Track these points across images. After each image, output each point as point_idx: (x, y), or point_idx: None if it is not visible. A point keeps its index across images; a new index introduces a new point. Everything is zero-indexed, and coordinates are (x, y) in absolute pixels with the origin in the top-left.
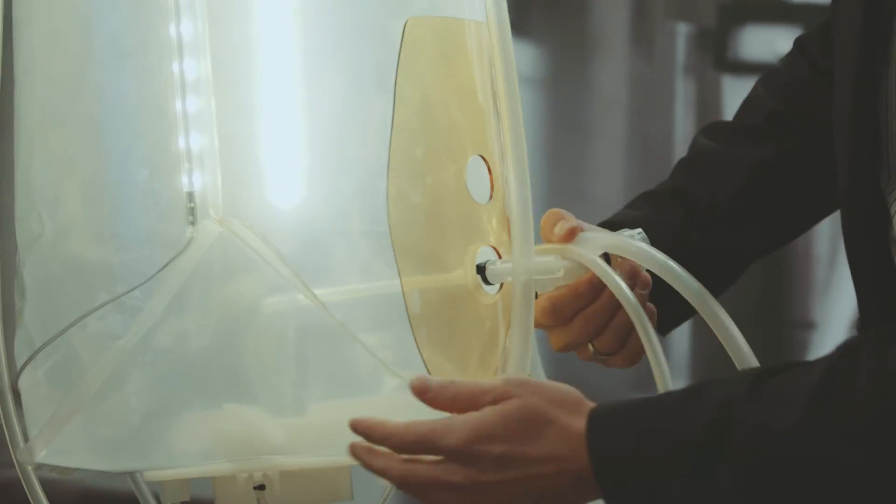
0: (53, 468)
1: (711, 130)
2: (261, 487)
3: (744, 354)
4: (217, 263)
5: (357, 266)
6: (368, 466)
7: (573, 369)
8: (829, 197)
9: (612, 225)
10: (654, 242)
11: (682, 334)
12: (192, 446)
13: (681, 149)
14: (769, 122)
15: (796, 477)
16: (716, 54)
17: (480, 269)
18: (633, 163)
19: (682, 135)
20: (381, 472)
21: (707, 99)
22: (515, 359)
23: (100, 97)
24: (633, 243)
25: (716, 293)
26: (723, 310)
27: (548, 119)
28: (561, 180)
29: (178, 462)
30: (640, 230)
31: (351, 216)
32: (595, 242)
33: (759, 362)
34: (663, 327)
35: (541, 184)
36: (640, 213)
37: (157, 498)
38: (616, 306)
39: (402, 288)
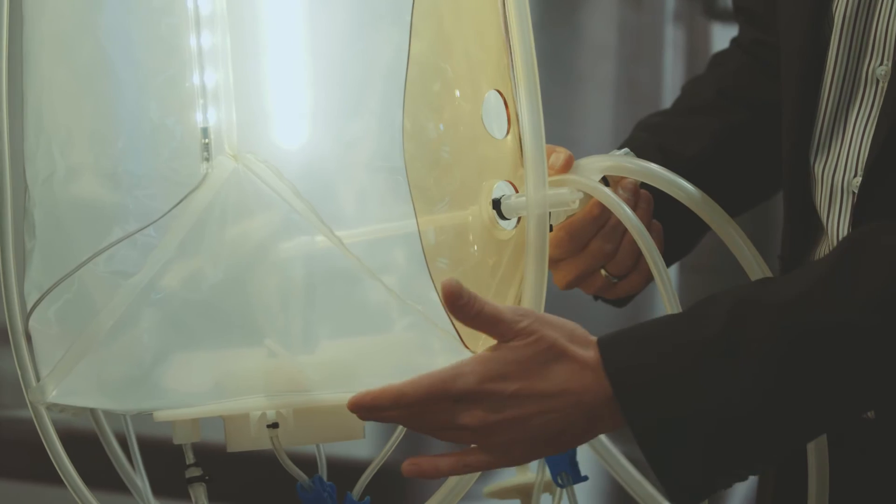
0: (65, 408)
1: (655, 114)
2: (274, 426)
3: (749, 258)
4: (232, 199)
5: (372, 202)
6: (379, 418)
7: (568, 316)
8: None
9: None
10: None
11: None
12: (202, 386)
13: (670, 96)
14: (718, 97)
15: (819, 346)
16: (705, 2)
17: (496, 204)
18: (622, 110)
19: (672, 82)
20: (394, 420)
21: (696, 46)
22: (531, 292)
23: (111, 33)
24: (631, 160)
25: (679, 255)
26: (726, 215)
27: (537, 65)
28: (550, 127)
29: (189, 402)
30: (626, 149)
31: (365, 152)
32: (593, 167)
33: None
34: (672, 246)
35: None
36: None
37: (122, 437)
38: None
39: (417, 225)
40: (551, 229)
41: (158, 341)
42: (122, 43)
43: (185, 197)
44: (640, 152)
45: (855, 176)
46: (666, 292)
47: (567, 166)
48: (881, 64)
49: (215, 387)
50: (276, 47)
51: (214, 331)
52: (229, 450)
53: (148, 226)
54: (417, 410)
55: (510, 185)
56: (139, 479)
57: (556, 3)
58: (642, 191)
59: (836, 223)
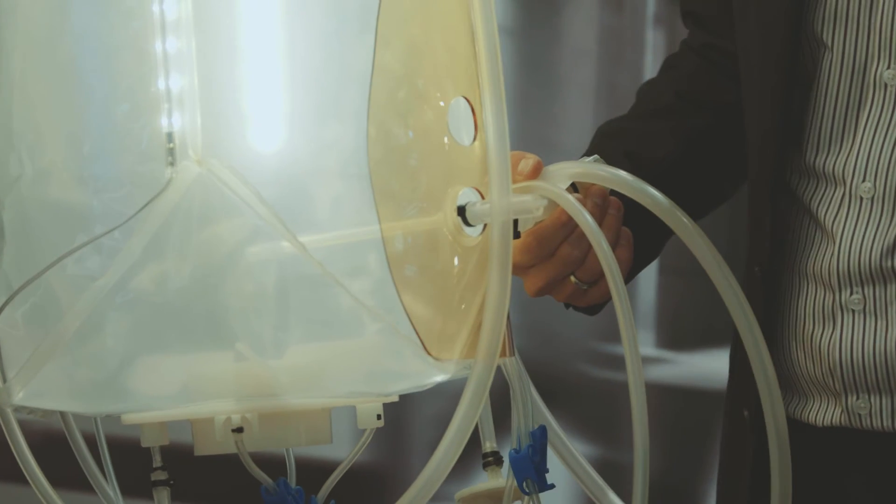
0: (33, 410)
1: (615, 120)
2: (239, 430)
3: (716, 267)
4: (196, 205)
5: (338, 209)
6: None
7: (538, 321)
8: (742, 168)
9: None
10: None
11: (648, 283)
12: (170, 389)
13: None
14: (678, 100)
15: None
16: None
17: (461, 211)
18: (602, 113)
19: None
20: None
21: (677, 50)
22: (494, 301)
23: (79, 38)
24: (600, 167)
25: (648, 260)
26: (695, 224)
27: (518, 69)
28: (530, 130)
29: (156, 405)
30: (596, 156)
31: (331, 159)
32: (561, 173)
33: (727, 314)
34: (641, 253)
35: (510, 133)
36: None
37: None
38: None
39: (381, 232)
40: (518, 236)
41: (125, 344)
42: (91, 46)
43: (150, 202)
44: (608, 159)
45: (864, 181)
46: (620, 303)
47: (535, 172)
48: (888, 67)
49: (183, 390)
50: (244, 52)
51: (182, 334)
52: (196, 453)
53: (113, 230)
54: None
55: (476, 192)
56: (110, 488)
57: (537, 6)
58: (612, 197)
59: (843, 226)
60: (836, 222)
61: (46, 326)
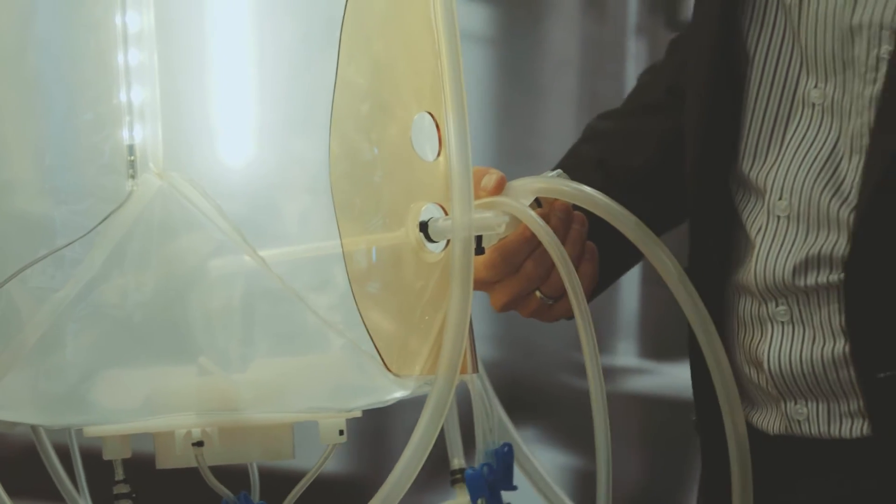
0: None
1: (606, 115)
2: (199, 444)
3: (676, 282)
4: (157, 218)
5: (301, 224)
6: None
7: (519, 332)
8: None
9: None
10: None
11: (631, 293)
12: (132, 402)
13: None
14: (668, 96)
15: None
16: (668, 15)
17: (424, 227)
18: (583, 123)
19: None
20: None
21: (658, 59)
22: (454, 317)
23: (43, 49)
24: (564, 183)
25: (619, 274)
26: (659, 241)
27: (499, 78)
28: (512, 140)
29: (118, 418)
30: (559, 171)
31: (296, 173)
32: (525, 188)
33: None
34: (608, 268)
35: (491, 143)
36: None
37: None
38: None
39: (342, 248)
40: (482, 251)
41: (85, 357)
42: (54, 58)
43: (110, 214)
44: (579, 168)
45: (780, 199)
46: (581, 318)
47: (498, 188)
48: (815, 86)
49: (146, 403)
50: (207, 65)
51: (144, 348)
52: (158, 466)
53: (72, 242)
54: None
55: (440, 208)
56: (82, 499)
57: (519, 15)
58: (576, 212)
59: (761, 240)
60: (757, 236)
61: (8, 338)
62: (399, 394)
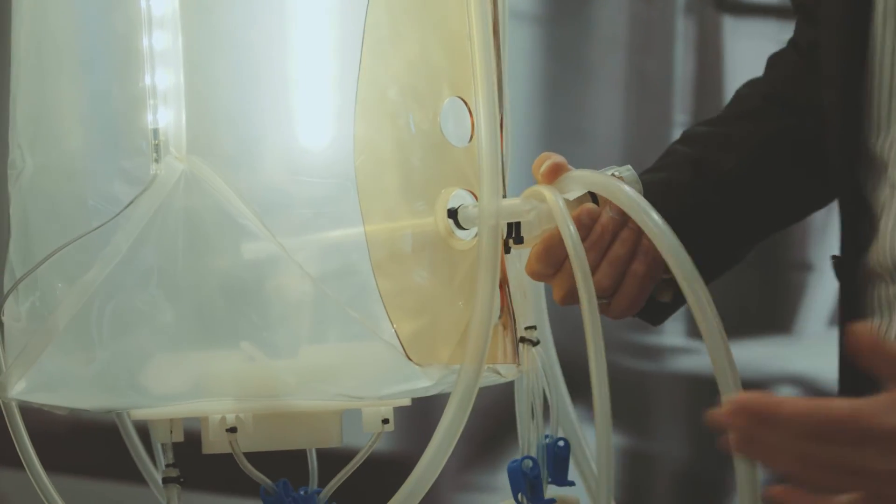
0: (42, 405)
1: (704, 122)
2: (233, 430)
3: (704, 306)
4: (180, 202)
5: (325, 210)
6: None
7: (570, 312)
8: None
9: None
10: (668, 204)
11: None
12: (175, 387)
13: (680, 89)
14: (764, 102)
15: None
16: None
17: (453, 214)
18: (632, 102)
19: (682, 75)
20: (769, 454)
21: (707, 39)
22: (480, 306)
23: (71, 34)
24: (617, 185)
25: (721, 270)
26: (687, 256)
27: (547, 57)
28: (560, 119)
29: (158, 402)
30: (628, 166)
31: (320, 159)
32: (576, 181)
33: (758, 304)
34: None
35: (540, 123)
36: (660, 174)
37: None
38: (611, 238)
39: (365, 235)
40: (521, 240)
41: (118, 341)
42: (82, 43)
43: (136, 198)
44: (672, 167)
45: None
46: (589, 313)
47: (551, 174)
48: None
49: (190, 387)
50: (232, 48)
51: (192, 332)
52: (203, 451)
53: (100, 227)
54: (814, 435)
55: (471, 195)
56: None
57: None
58: None
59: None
60: (881, 212)
61: (42, 321)
62: (423, 383)
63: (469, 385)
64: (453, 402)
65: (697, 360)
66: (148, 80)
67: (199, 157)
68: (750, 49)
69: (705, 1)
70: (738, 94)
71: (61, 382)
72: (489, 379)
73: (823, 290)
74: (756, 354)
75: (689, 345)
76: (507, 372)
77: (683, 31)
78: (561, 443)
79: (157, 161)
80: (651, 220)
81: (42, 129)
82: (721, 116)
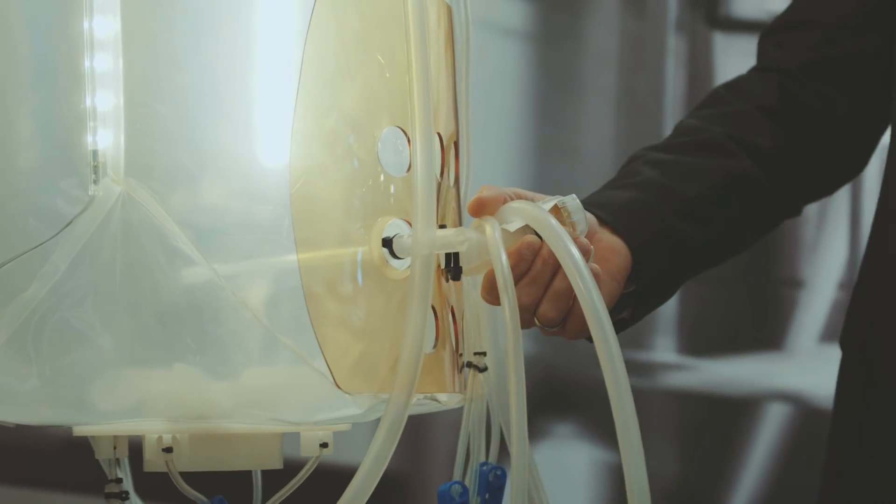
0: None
1: (664, 146)
2: (168, 450)
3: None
4: (118, 224)
5: (260, 237)
6: None
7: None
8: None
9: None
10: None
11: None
12: (113, 404)
13: (671, 105)
14: (729, 140)
15: None
16: (707, 11)
17: (388, 243)
18: (622, 119)
19: (673, 91)
20: None
21: (698, 56)
22: (410, 336)
23: (19, 57)
24: (551, 223)
25: (676, 288)
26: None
27: (537, 74)
28: (551, 136)
29: (97, 419)
30: (573, 195)
31: (254, 184)
32: (517, 213)
33: (749, 320)
34: (643, 300)
35: (531, 139)
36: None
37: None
38: (553, 272)
39: (298, 262)
40: (459, 271)
41: (58, 358)
42: (27, 64)
43: (74, 218)
44: (641, 186)
45: None
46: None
47: (474, 209)
48: None
49: (135, 406)
50: (173, 70)
51: (130, 352)
52: (145, 469)
53: (38, 246)
54: None
55: (408, 224)
56: None
57: (558, 12)
58: (580, 240)
59: None
60: None
61: None
62: (351, 411)
63: (398, 414)
64: (381, 431)
65: (689, 376)
66: (88, 101)
67: (137, 179)
68: (741, 66)
69: (696, 18)
70: (716, 94)
71: (6, 397)
72: (428, 406)
73: (814, 307)
74: (747, 371)
75: (680, 361)
76: (450, 400)
77: (674, 47)
78: (498, 471)
79: (95, 182)
80: (570, 258)
81: None
82: (680, 143)
